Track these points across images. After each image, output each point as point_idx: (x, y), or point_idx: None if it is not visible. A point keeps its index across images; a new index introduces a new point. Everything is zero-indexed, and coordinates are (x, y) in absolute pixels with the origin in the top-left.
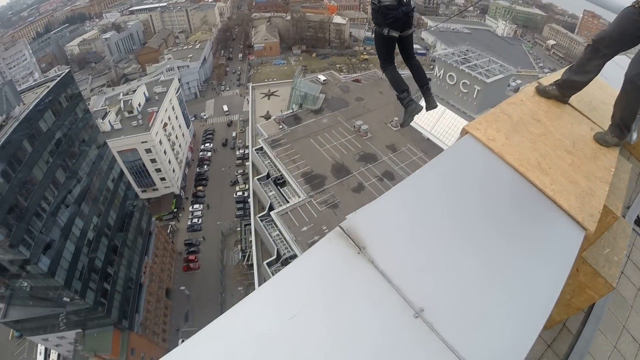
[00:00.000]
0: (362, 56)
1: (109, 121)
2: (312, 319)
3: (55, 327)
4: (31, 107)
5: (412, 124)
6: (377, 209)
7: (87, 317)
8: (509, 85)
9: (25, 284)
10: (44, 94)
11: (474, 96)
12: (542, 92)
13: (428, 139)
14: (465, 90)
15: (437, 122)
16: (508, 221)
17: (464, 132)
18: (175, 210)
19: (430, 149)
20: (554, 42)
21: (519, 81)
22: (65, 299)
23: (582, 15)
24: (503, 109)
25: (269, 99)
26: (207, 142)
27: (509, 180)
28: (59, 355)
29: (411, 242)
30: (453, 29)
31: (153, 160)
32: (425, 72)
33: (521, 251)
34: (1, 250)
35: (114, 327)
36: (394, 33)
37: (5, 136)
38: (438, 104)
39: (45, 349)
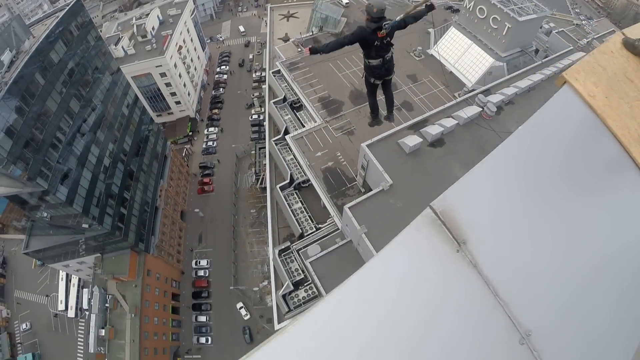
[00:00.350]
0: None
1: (122, 47)
2: (394, 351)
3: (75, 253)
4: (41, 40)
5: (435, 55)
6: (478, 183)
7: (105, 242)
8: (541, 27)
9: (45, 214)
10: (53, 24)
11: (504, 33)
12: (630, 46)
13: (451, 72)
14: (495, 26)
15: (462, 56)
16: (612, 211)
17: (562, 80)
18: (190, 133)
19: (453, 82)
20: None
21: (552, 24)
22: (84, 225)
23: None
24: (597, 59)
25: (288, 20)
26: (223, 65)
27: (612, 153)
28: (79, 279)
29: (519, 235)
30: None
31: (168, 84)
32: (454, 3)
33: (621, 253)
34: (20, 184)
35: (130, 250)
36: (377, 82)
37: (16, 71)
38: (464, 37)
39: (67, 275)
